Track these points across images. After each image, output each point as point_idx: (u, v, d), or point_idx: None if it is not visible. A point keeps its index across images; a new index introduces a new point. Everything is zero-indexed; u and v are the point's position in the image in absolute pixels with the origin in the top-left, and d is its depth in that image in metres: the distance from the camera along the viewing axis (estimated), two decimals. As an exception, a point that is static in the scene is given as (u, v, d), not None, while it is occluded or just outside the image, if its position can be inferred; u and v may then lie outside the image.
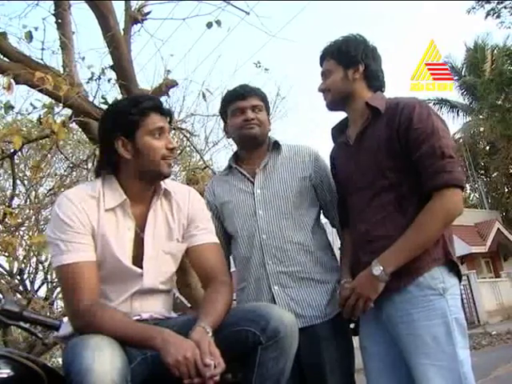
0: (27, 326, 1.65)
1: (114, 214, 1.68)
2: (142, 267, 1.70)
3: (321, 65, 2.06)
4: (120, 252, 1.66)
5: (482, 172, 26.57)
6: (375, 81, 2.00)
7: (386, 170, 1.84)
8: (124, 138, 1.66)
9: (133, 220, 1.70)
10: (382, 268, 1.72)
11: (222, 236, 2.19)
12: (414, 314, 1.74)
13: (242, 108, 2.16)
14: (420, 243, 1.74)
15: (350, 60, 1.96)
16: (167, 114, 1.74)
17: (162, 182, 1.76)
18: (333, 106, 2.03)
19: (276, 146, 2.22)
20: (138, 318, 1.68)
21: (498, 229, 20.45)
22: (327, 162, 2.22)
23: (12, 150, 4.58)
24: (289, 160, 2.20)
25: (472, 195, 27.41)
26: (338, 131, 2.11)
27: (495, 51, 21.97)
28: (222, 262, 1.82)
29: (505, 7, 17.14)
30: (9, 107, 3.76)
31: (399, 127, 1.82)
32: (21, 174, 9.79)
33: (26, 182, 10.23)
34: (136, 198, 1.72)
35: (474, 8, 17.52)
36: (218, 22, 4.11)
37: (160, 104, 1.74)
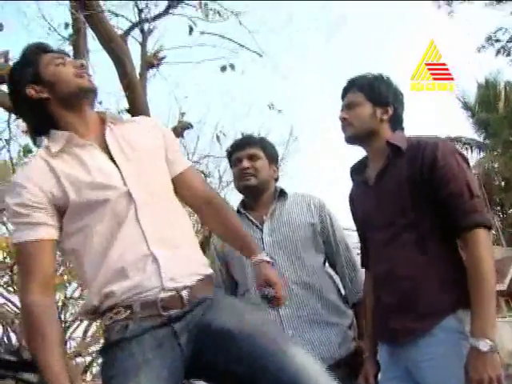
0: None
1: (67, 153, 1.48)
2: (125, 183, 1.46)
3: (344, 96, 2.00)
4: (95, 175, 1.45)
5: (498, 208, 26.28)
6: (399, 125, 1.97)
7: (406, 208, 1.79)
8: (33, 84, 1.51)
9: (90, 143, 1.50)
10: (485, 340, 1.58)
11: (227, 280, 2.26)
12: (440, 358, 1.66)
13: (239, 158, 2.25)
14: (489, 290, 1.64)
15: (382, 99, 1.93)
16: (58, 51, 1.61)
17: (108, 116, 1.58)
18: (353, 140, 1.97)
19: (282, 193, 2.26)
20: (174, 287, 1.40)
21: (517, 266, 20.04)
22: (333, 212, 2.25)
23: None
24: (295, 206, 2.23)
25: (488, 232, 26.99)
26: (357, 171, 2.06)
27: (508, 88, 22.08)
28: (204, 182, 1.83)
29: (515, 45, 17.29)
30: (28, 151, 3.87)
31: (422, 165, 1.77)
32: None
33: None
34: (84, 131, 1.52)
35: (483, 47, 17.72)
36: (232, 66, 4.24)
37: (47, 46, 1.61)
